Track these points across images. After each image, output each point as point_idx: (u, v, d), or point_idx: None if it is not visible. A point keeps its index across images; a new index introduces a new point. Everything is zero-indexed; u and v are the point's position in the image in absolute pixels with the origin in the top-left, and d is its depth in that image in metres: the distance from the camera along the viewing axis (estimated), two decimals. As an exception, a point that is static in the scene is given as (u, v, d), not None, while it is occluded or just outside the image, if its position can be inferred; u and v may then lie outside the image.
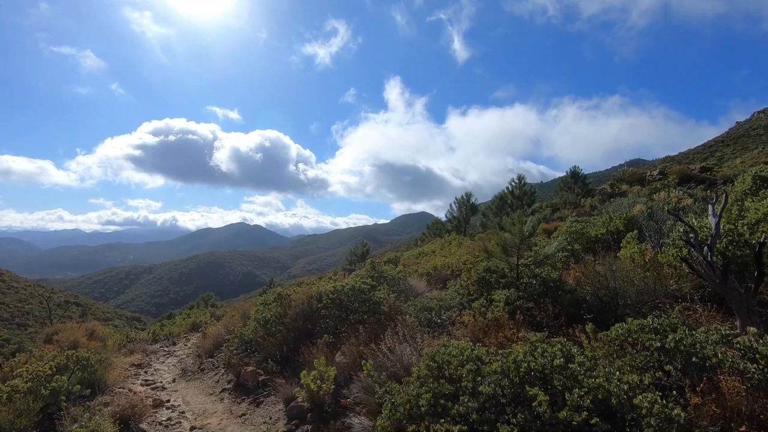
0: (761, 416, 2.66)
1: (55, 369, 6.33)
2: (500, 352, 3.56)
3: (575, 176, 24.02)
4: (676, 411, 2.61)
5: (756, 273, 4.09)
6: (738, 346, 3.15)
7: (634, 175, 22.90)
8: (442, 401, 3.21)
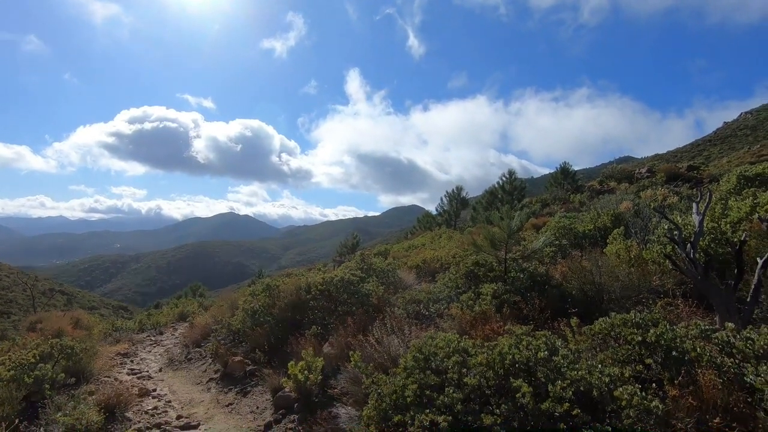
0: (735, 408, 2.74)
1: (38, 357, 6.26)
2: (486, 344, 3.61)
3: (565, 172, 24.23)
4: (654, 403, 2.69)
5: (736, 270, 4.19)
6: (716, 341, 3.23)
7: (622, 172, 23.17)
8: (427, 392, 3.25)
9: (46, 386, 5.79)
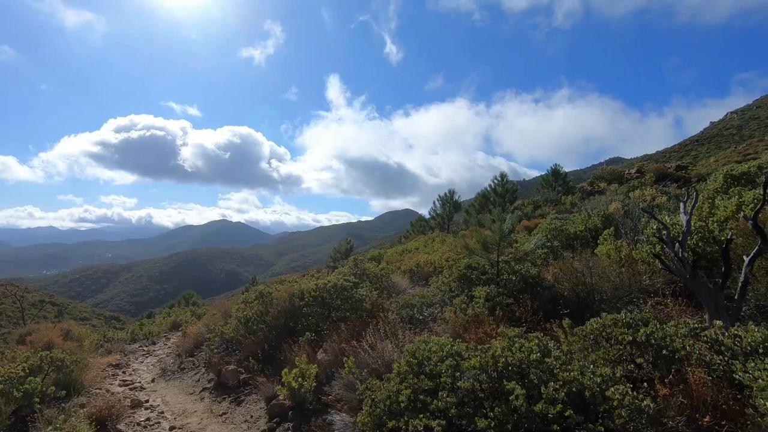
0: (724, 406, 2.78)
1: (28, 370, 6.15)
2: (479, 347, 3.62)
3: (556, 174, 24.42)
4: (645, 402, 2.71)
5: (723, 268, 4.25)
6: (705, 339, 3.27)
7: (612, 173, 23.42)
8: (421, 397, 3.25)
9: (36, 400, 5.69)
